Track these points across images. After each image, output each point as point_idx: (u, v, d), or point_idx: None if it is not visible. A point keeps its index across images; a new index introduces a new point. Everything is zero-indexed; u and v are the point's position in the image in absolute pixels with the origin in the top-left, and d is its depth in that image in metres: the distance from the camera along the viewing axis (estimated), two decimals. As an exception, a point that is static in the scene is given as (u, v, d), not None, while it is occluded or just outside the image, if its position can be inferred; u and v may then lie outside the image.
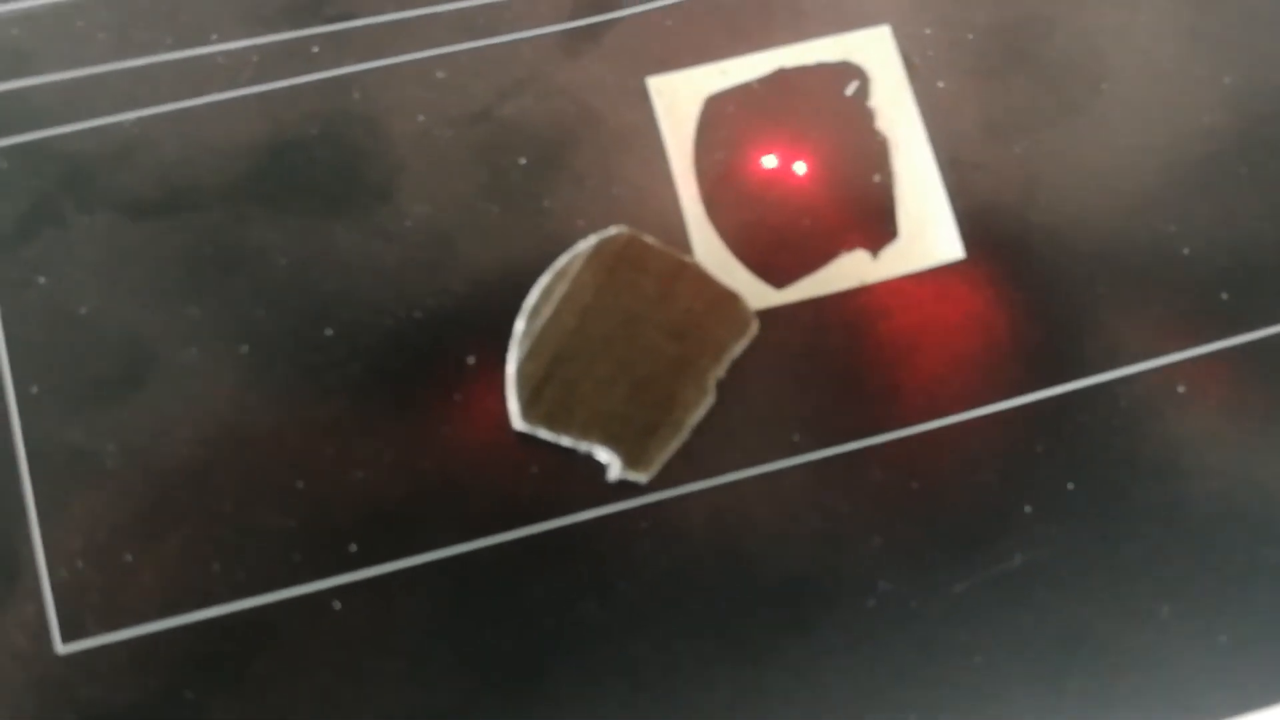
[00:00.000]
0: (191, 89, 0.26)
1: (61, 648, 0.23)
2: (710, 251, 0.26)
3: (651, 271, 0.24)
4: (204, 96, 0.26)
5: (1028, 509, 0.25)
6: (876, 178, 0.26)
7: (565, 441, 0.24)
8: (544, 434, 0.24)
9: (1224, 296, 0.26)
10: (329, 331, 0.25)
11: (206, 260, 0.25)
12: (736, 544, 0.25)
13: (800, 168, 0.26)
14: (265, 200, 0.25)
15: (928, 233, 0.26)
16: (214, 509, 0.24)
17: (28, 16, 0.26)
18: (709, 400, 0.24)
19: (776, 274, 0.26)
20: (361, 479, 0.24)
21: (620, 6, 0.27)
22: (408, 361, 0.25)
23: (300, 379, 0.25)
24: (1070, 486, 0.25)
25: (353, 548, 0.24)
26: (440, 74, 0.26)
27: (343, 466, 0.24)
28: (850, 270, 0.26)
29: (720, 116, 0.26)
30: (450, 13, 0.27)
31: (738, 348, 0.25)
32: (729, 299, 0.25)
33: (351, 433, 0.24)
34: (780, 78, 0.27)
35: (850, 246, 0.26)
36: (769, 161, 0.26)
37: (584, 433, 0.24)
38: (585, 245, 0.24)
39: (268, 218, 0.25)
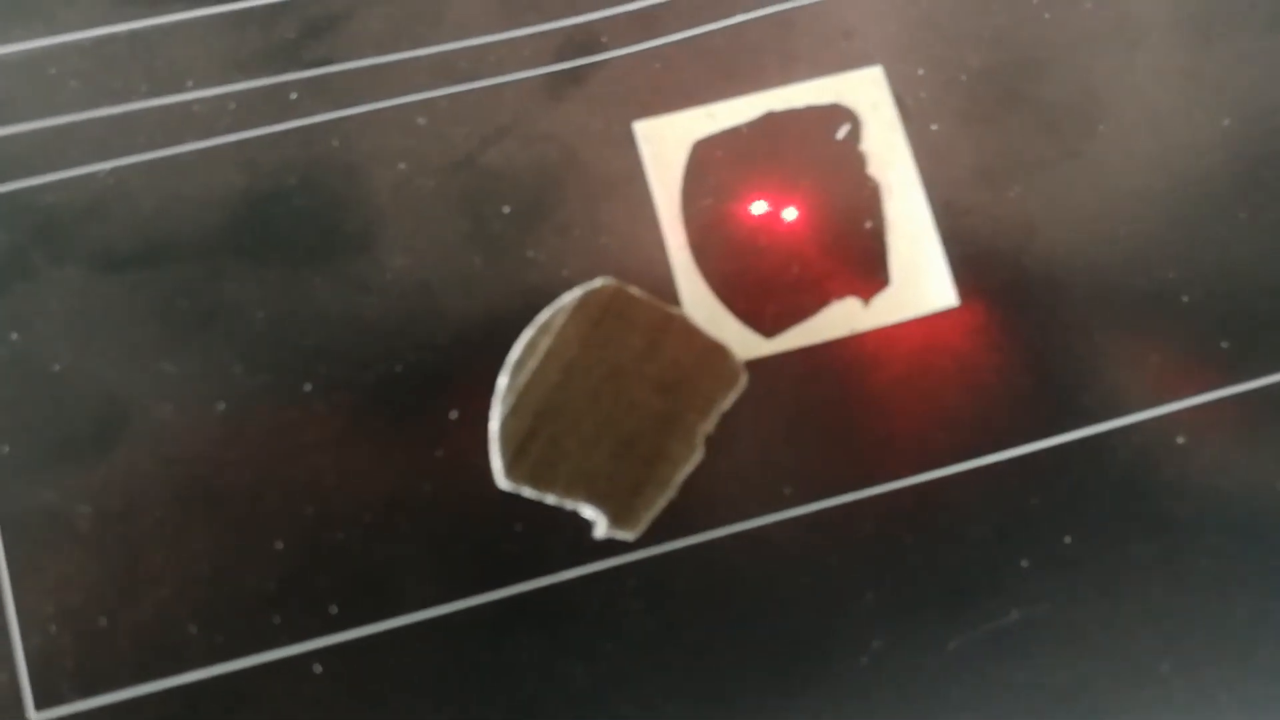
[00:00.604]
0: (167, 137, 0.26)
1: (35, 715, 0.23)
2: (698, 301, 0.25)
3: (638, 324, 0.24)
4: (180, 145, 0.25)
5: (1024, 563, 0.24)
6: (868, 223, 0.26)
7: (550, 500, 0.23)
8: (528, 492, 0.23)
9: (1224, 345, 0.25)
10: (308, 387, 0.24)
11: (182, 314, 0.25)
12: (726, 602, 0.24)
13: (790, 214, 0.26)
14: (242, 252, 0.25)
15: (920, 279, 0.25)
16: (190, 571, 0.23)
17: None
18: (697, 456, 0.24)
19: (766, 323, 0.25)
20: (342, 539, 0.24)
21: (605, 49, 0.26)
22: (388, 417, 0.24)
23: (279, 437, 0.24)
24: (1067, 540, 0.25)
25: (333, 609, 0.23)
26: (421, 120, 0.26)
27: (323, 526, 0.24)
28: (841, 318, 0.25)
29: (708, 162, 0.26)
30: (431, 57, 0.26)
31: (726, 401, 0.24)
32: (717, 351, 0.24)
33: (332, 491, 0.24)
34: (769, 121, 0.26)
35: (841, 294, 0.25)
36: (758, 207, 0.26)
37: (569, 491, 0.23)
38: (570, 298, 0.24)
39: (245, 270, 0.25)
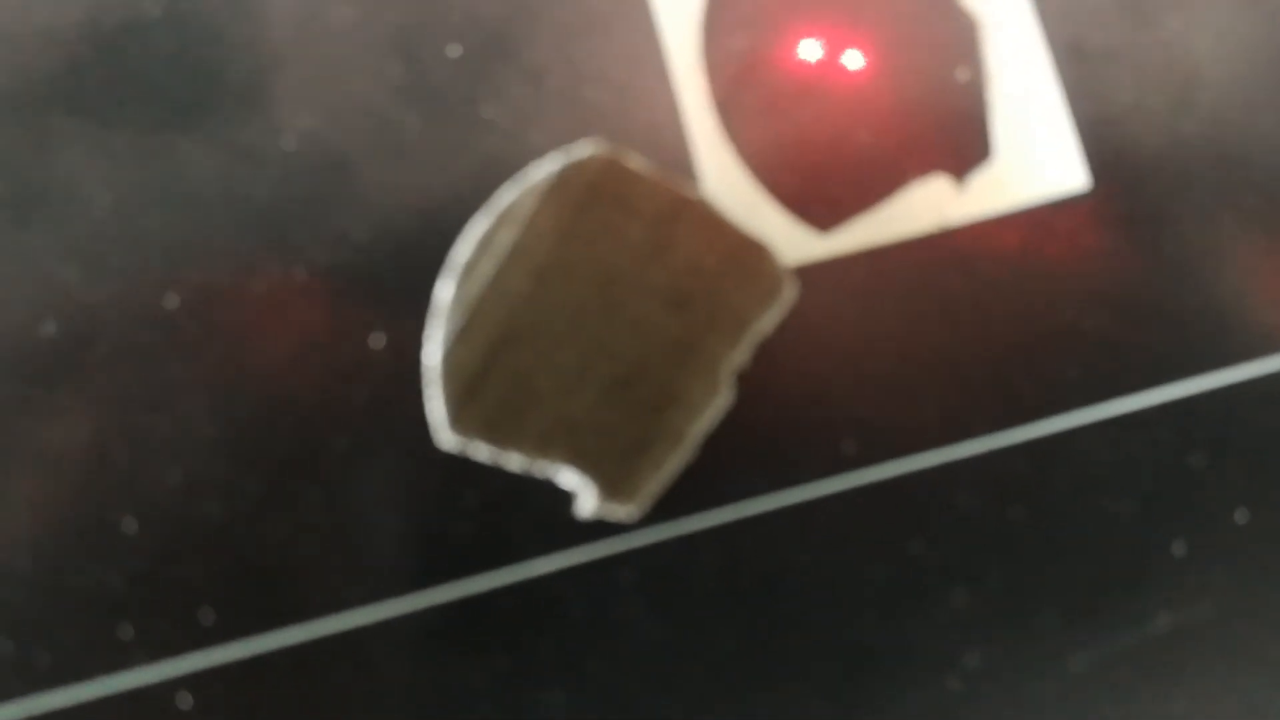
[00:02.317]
0: (-26, -52, 0.18)
1: None
2: (725, 180, 0.18)
3: (640, 211, 0.17)
4: (-8, -42, 0.18)
5: (1180, 549, 0.18)
6: (962, 74, 0.18)
7: (513, 463, 0.16)
8: (482, 452, 0.16)
9: None
10: (173, 300, 0.17)
11: (-4, 197, 0.17)
12: (761, 602, 0.17)
13: (854, 59, 0.18)
14: (81, 110, 0.18)
15: (1036, 152, 0.18)
16: (4, 564, 0.16)
17: None
18: (724, 400, 0.17)
19: (820, 212, 0.18)
20: (219, 516, 0.17)
21: None
22: (285, 344, 0.17)
23: (131, 371, 0.17)
24: (1240, 517, 0.18)
25: (207, 617, 0.16)
26: (336, -74, 0.18)
27: (193, 499, 0.17)
28: (925, 206, 0.18)
29: (739, -16, 0.18)
30: None
31: (765, 322, 0.17)
32: (752, 251, 0.17)
33: (205, 450, 0.17)
34: (825, -72, 0.19)
35: (924, 172, 0.18)
36: (809, 50, 0.18)
37: (541, 449, 0.16)
38: (543, 173, 0.16)
39: (84, 136, 0.18)
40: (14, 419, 0.17)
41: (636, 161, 0.16)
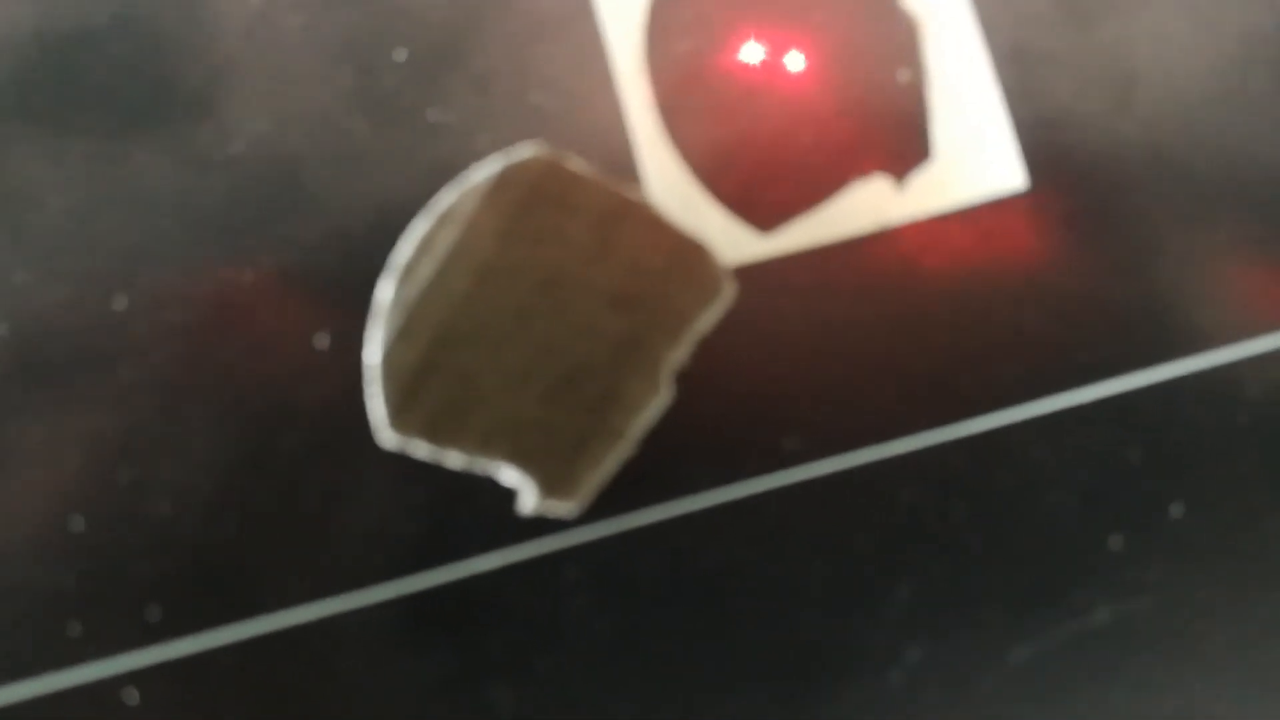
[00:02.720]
0: (-71, -43, 0.18)
1: None
2: (668, 182, 0.18)
3: (582, 212, 0.17)
4: (-54, -33, 0.18)
5: (1117, 541, 0.18)
6: (902, 75, 0.19)
7: (454, 461, 0.16)
8: (422, 450, 0.16)
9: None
10: (122, 303, 0.17)
11: (-52, 202, 0.18)
12: (705, 598, 0.17)
13: (795, 62, 0.19)
14: (31, 116, 0.18)
15: (975, 152, 0.18)
16: (-47, 561, 0.17)
17: None
18: (664, 397, 0.17)
19: (761, 212, 0.18)
20: (168, 515, 0.17)
21: None
22: (233, 344, 0.17)
23: (80, 371, 0.17)
24: (1177, 509, 0.18)
25: (154, 614, 0.17)
26: (286, -66, 0.19)
27: (140, 497, 0.17)
28: (865, 206, 0.18)
29: (681, -11, 0.19)
30: None
31: (705, 320, 0.17)
32: (693, 251, 0.17)
33: (153, 449, 0.17)
34: (767, -66, 0.19)
35: (865, 172, 0.18)
36: (751, 52, 0.19)
37: (483, 447, 0.16)
38: (484, 174, 0.16)
39: (34, 140, 0.18)
40: (-34, 420, 0.17)
41: (578, 163, 0.17)
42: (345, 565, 0.17)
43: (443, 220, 0.16)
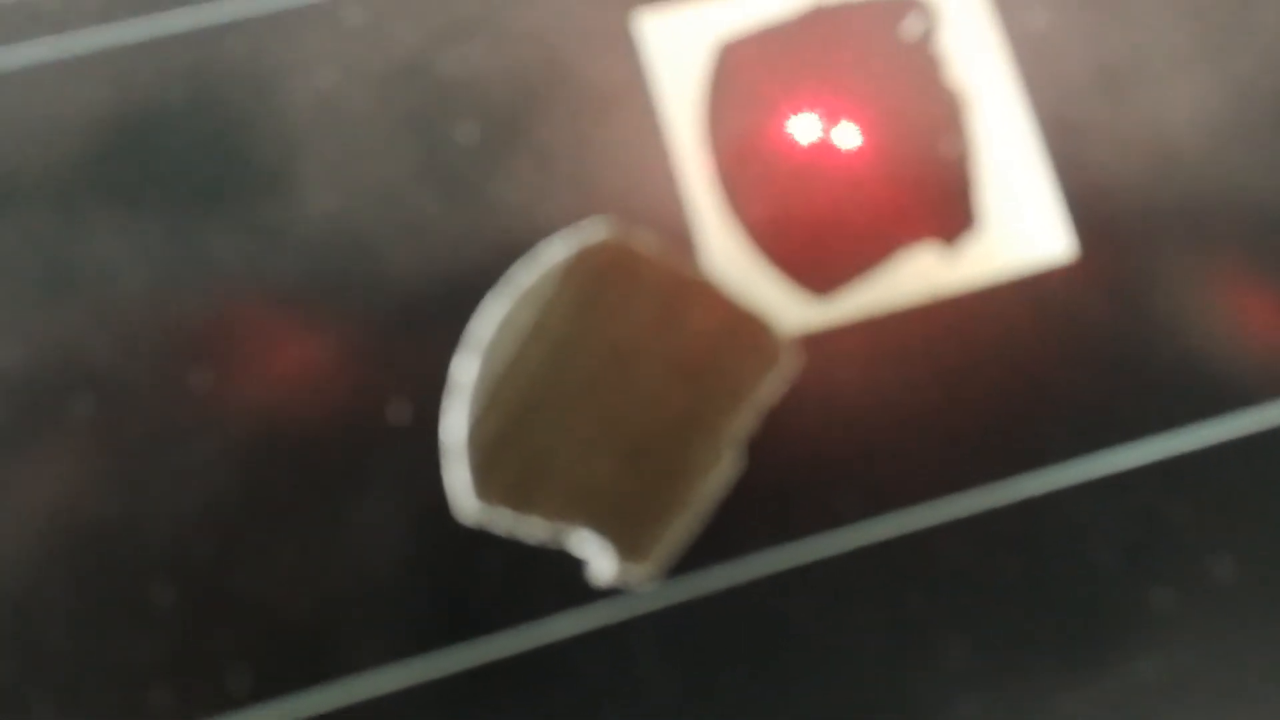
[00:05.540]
0: (5, 36, 0.19)
1: None
2: (727, 253, 0.19)
3: (649, 289, 0.17)
4: (23, 42, 0.19)
5: (1164, 597, 0.18)
6: (950, 148, 0.19)
7: (533, 533, 0.17)
8: (503, 521, 0.17)
9: None
10: (200, 375, 0.18)
11: (30, 280, 0.18)
12: (769, 659, 0.18)
13: (847, 136, 0.19)
14: (111, 194, 0.18)
15: (1022, 221, 0.19)
16: (42, 637, 0.17)
17: None
18: (728, 465, 0.18)
19: (817, 279, 0.19)
20: (249, 587, 0.17)
21: (597, -84, 0.20)
22: (309, 420, 0.18)
23: (160, 447, 0.18)
24: (1222, 566, 0.19)
25: (239, 682, 0.17)
26: (354, 14, 0.19)
27: (224, 571, 0.17)
28: (917, 276, 0.19)
29: (738, 69, 0.19)
30: (364, -72, 0.19)
31: (765, 390, 0.18)
32: (753, 324, 0.18)
33: (235, 523, 0.17)
34: (819, 17, 0.20)
35: (915, 240, 0.19)
36: (804, 128, 0.19)
37: (559, 516, 0.17)
38: (558, 254, 0.17)
39: (114, 218, 0.18)
40: (44, 498, 0.17)
41: (644, 240, 0.17)
42: (420, 634, 0.18)
43: (523, 299, 0.17)
